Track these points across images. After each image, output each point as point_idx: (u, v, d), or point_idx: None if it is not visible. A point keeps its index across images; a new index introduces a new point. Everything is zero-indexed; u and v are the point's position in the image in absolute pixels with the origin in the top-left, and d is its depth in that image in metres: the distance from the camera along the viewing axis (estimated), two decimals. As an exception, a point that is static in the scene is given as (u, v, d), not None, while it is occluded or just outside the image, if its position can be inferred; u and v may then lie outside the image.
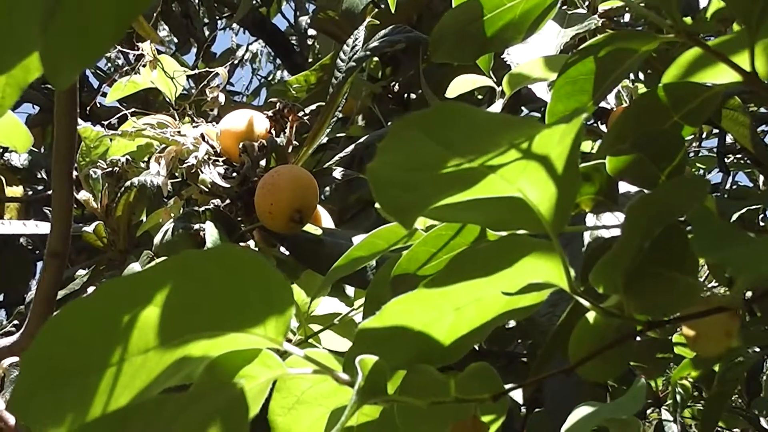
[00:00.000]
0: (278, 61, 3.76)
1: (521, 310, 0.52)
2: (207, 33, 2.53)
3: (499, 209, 0.48)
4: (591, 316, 0.52)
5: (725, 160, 2.09)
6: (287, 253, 1.07)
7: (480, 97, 1.84)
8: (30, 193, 2.59)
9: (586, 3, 1.39)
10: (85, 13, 0.42)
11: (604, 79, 0.57)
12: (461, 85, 1.09)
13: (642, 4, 0.56)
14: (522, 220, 0.48)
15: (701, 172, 2.50)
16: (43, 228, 1.31)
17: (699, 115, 0.56)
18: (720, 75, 0.56)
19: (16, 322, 1.27)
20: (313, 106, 1.12)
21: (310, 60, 2.52)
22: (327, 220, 1.10)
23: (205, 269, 0.47)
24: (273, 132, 1.08)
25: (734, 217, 1.43)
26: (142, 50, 1.17)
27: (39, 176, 2.62)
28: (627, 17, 2.26)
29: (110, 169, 1.24)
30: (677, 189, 0.49)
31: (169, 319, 0.47)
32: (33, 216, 2.55)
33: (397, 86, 1.80)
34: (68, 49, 0.43)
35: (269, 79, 3.83)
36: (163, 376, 0.48)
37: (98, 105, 2.23)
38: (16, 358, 0.76)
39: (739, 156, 2.24)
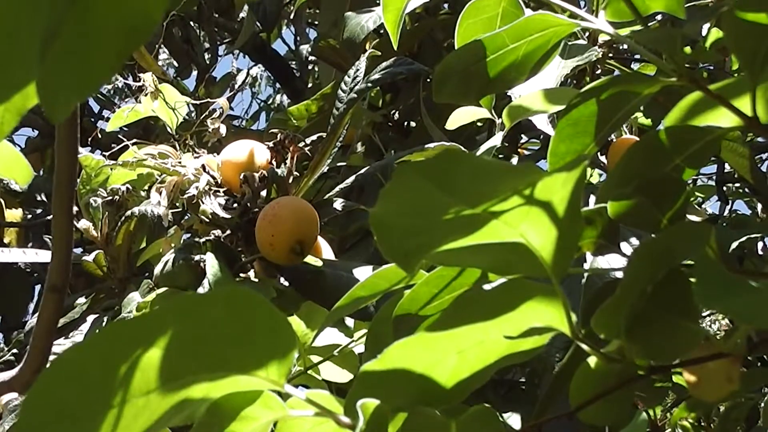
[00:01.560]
0: (278, 85, 3.77)
1: (523, 354, 0.52)
2: (208, 58, 2.54)
3: (502, 254, 0.48)
4: (592, 360, 0.52)
5: (724, 189, 2.10)
6: (287, 284, 1.07)
7: (480, 124, 1.85)
8: (29, 216, 2.59)
9: (587, 34, 1.40)
10: (84, 44, 0.42)
11: (607, 121, 0.57)
12: (462, 116, 1.10)
13: (643, 46, 0.56)
14: (524, 264, 0.48)
15: (700, 200, 2.50)
16: (43, 256, 1.31)
17: (700, 157, 0.56)
18: (722, 118, 0.56)
19: (15, 351, 1.27)
20: (314, 137, 1.12)
21: (310, 85, 2.53)
22: (327, 251, 1.10)
23: (208, 311, 0.47)
24: (274, 163, 1.08)
25: (734, 245, 1.43)
26: (144, 81, 1.17)
27: (39, 199, 2.62)
28: (626, 45, 2.27)
29: (111, 197, 1.24)
30: (680, 234, 0.49)
31: (171, 361, 0.47)
32: (32, 239, 2.55)
33: (397, 114, 1.81)
34: (66, 80, 0.43)
35: (269, 103, 3.84)
36: (164, 418, 0.48)
37: (99, 132, 2.24)
38: (15, 394, 0.76)
39: (738, 185, 2.25)
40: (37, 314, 1.31)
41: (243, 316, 0.48)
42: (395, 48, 0.76)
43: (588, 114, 0.58)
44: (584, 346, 0.49)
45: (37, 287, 2.75)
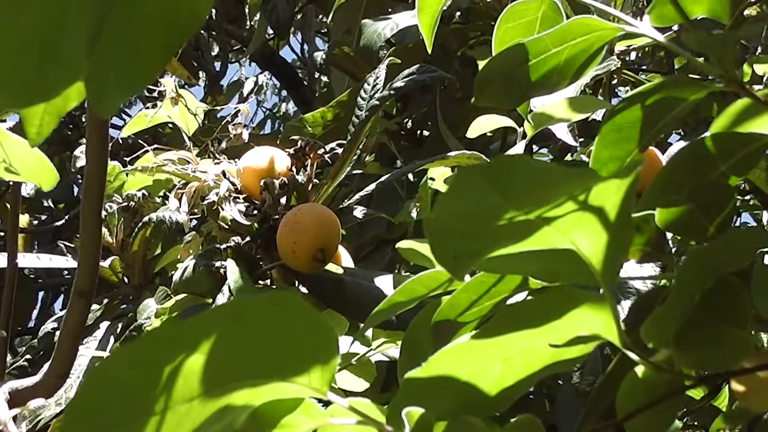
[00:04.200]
0: (283, 93, 3.77)
1: (567, 362, 0.51)
2: (217, 65, 2.53)
3: (552, 261, 0.47)
4: (639, 370, 0.51)
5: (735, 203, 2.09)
6: (306, 291, 1.06)
7: (490, 134, 1.84)
8: (35, 222, 2.58)
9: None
10: (131, 38, 0.42)
11: (651, 126, 0.56)
12: (484, 124, 1.09)
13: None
14: (573, 272, 0.47)
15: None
16: (58, 262, 1.30)
17: (745, 165, 0.55)
18: (768, 125, 0.55)
19: (28, 356, 1.26)
20: (334, 144, 1.11)
21: (317, 94, 2.52)
22: (347, 259, 1.09)
23: (254, 316, 0.46)
24: (294, 170, 1.07)
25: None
26: (164, 85, 1.17)
27: (45, 205, 2.62)
28: (633, 56, 2.27)
29: (126, 203, 1.23)
30: (732, 242, 0.48)
31: (215, 367, 0.46)
32: (38, 246, 2.55)
33: (410, 123, 1.80)
34: (113, 76, 0.42)
35: (274, 111, 3.84)
36: (205, 425, 0.47)
37: (113, 138, 2.23)
38: (41, 400, 0.75)
39: (747, 198, 2.24)
40: (51, 320, 1.30)
41: (286, 321, 0.47)
42: (429, 50, 0.75)
43: (632, 120, 0.57)
44: (633, 356, 0.49)
45: (41, 294, 2.75)
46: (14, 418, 0.74)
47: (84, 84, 0.41)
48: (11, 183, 1.40)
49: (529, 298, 0.50)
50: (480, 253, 0.44)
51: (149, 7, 0.42)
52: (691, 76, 1.87)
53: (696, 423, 1.97)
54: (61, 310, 2.73)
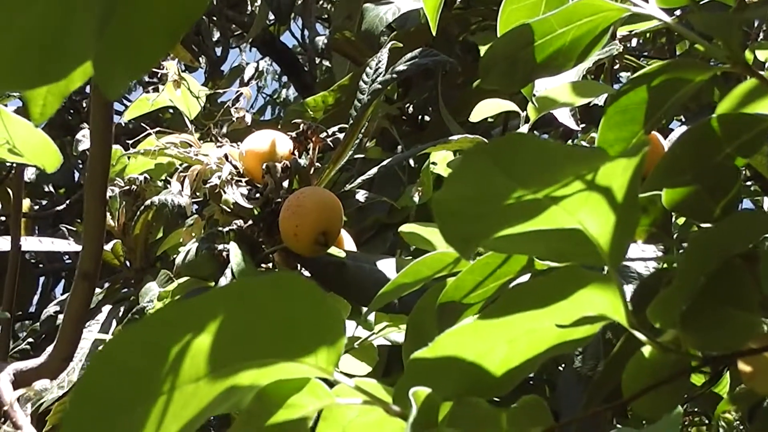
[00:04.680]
0: (284, 79, 3.76)
1: (573, 343, 0.51)
2: (218, 51, 2.53)
3: (559, 241, 0.47)
4: (646, 350, 0.51)
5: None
6: (308, 275, 1.06)
7: (491, 120, 1.83)
8: (36, 207, 2.58)
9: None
10: (138, 22, 0.42)
11: (657, 108, 0.56)
12: (486, 108, 1.09)
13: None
14: (580, 252, 0.47)
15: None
16: (60, 245, 1.30)
17: (752, 146, 0.55)
18: (776, 107, 0.55)
19: (30, 340, 1.26)
20: (335, 128, 1.11)
21: (318, 80, 2.52)
22: (349, 243, 1.09)
23: (259, 297, 0.46)
24: (296, 153, 1.07)
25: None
26: (166, 69, 1.16)
27: (46, 190, 2.62)
28: (634, 42, 2.26)
29: (128, 187, 1.23)
30: (738, 224, 0.48)
31: (221, 348, 0.46)
32: (39, 231, 2.54)
33: (411, 108, 1.80)
34: (121, 58, 0.42)
35: (274, 97, 3.83)
36: (212, 405, 0.47)
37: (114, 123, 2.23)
38: (46, 381, 0.75)
39: (749, 183, 2.24)
40: (52, 303, 1.30)
41: (293, 302, 0.47)
42: (433, 33, 0.75)
43: (638, 101, 0.57)
44: (640, 336, 0.48)
45: (42, 279, 2.75)
46: (18, 399, 0.74)
47: (92, 66, 0.41)
48: (14, 166, 1.40)
49: (535, 278, 0.50)
50: (488, 232, 0.44)
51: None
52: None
53: (696, 409, 1.98)
54: (61, 295, 2.73)
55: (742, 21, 0.52)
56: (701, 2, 0.58)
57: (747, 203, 2.33)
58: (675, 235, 0.76)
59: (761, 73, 0.56)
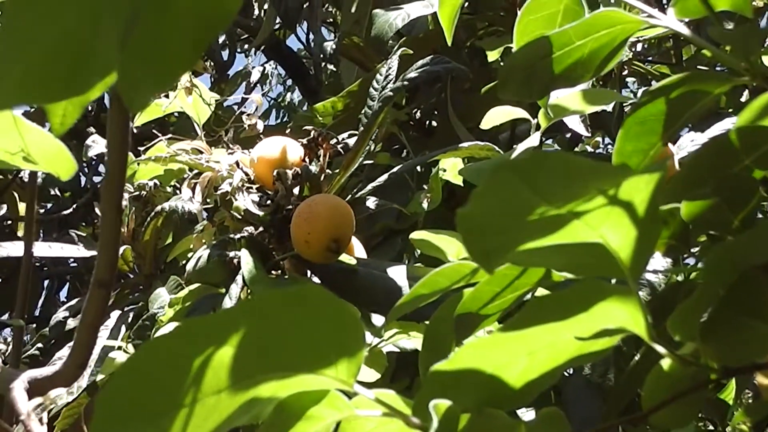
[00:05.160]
0: (289, 82, 3.77)
1: (592, 355, 0.52)
2: (224, 55, 2.53)
3: (580, 255, 0.47)
4: (665, 363, 0.51)
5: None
6: (319, 281, 1.06)
7: (499, 125, 1.83)
8: (42, 211, 2.58)
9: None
10: (162, 35, 0.42)
11: (676, 120, 0.56)
12: (497, 116, 1.09)
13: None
14: (601, 265, 0.48)
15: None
16: (69, 251, 1.30)
17: (770, 159, 0.55)
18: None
19: (40, 345, 1.27)
20: (346, 134, 1.11)
21: (324, 84, 2.52)
22: (359, 250, 1.09)
23: (280, 310, 0.47)
24: (307, 160, 1.07)
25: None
26: (177, 75, 1.16)
27: (52, 193, 2.62)
28: (639, 47, 2.26)
29: (138, 192, 1.23)
30: (758, 236, 0.48)
31: (243, 360, 0.46)
32: (44, 234, 2.55)
33: (419, 113, 1.80)
34: (146, 70, 0.43)
35: (279, 100, 3.84)
36: (233, 417, 0.48)
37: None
38: (62, 390, 0.75)
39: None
40: (62, 308, 1.31)
41: (313, 314, 0.47)
42: (449, 43, 0.75)
43: (656, 112, 0.57)
44: (660, 348, 0.49)
45: (46, 282, 2.75)
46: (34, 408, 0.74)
47: (117, 80, 0.42)
48: (27, 172, 1.40)
49: (556, 291, 0.50)
50: (510, 246, 0.44)
51: (181, 3, 0.42)
52: (699, 67, 1.87)
53: (702, 415, 1.98)
54: (66, 298, 2.73)
55: (762, 35, 0.52)
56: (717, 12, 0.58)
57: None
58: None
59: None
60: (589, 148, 2.37)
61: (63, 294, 2.79)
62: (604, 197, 0.44)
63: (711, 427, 1.98)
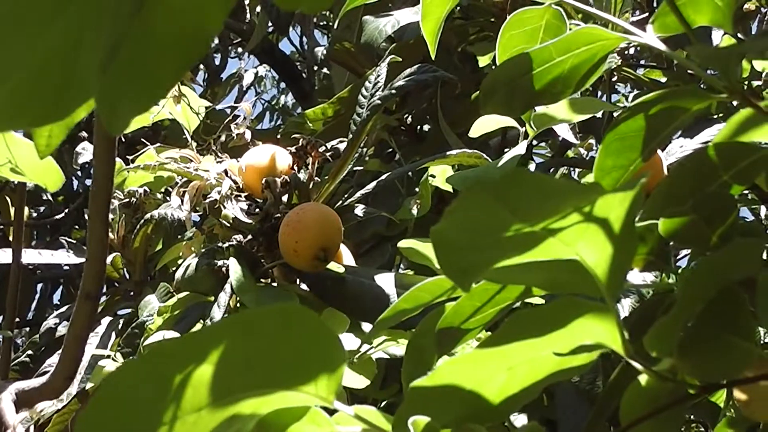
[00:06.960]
0: (282, 85, 3.77)
1: (571, 370, 0.52)
2: (216, 59, 2.53)
3: (557, 272, 0.47)
4: (643, 379, 0.51)
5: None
6: (308, 289, 1.07)
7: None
8: (35, 215, 2.58)
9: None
10: (143, 58, 0.42)
11: (655, 136, 0.57)
12: (486, 124, 1.09)
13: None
14: (578, 282, 0.48)
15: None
16: (59, 257, 1.31)
17: (749, 174, 0.56)
18: (771, 135, 0.56)
19: (30, 352, 1.27)
20: (335, 142, 1.12)
21: (317, 87, 2.52)
22: (348, 258, 1.09)
23: (260, 327, 0.47)
24: (295, 168, 1.08)
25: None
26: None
27: (44, 198, 2.62)
28: (632, 50, 2.26)
29: (127, 200, 1.24)
30: (736, 252, 0.49)
31: (223, 377, 0.47)
32: (37, 238, 2.55)
33: (409, 119, 1.80)
34: (125, 93, 0.43)
35: (273, 103, 3.84)
36: (213, 434, 0.48)
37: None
38: (50, 403, 0.75)
39: (746, 192, 2.25)
40: (52, 315, 1.31)
41: (294, 332, 0.48)
42: (432, 56, 0.76)
43: (636, 129, 0.57)
44: (636, 365, 0.49)
45: (39, 285, 2.75)
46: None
47: (96, 101, 0.42)
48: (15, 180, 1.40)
49: (534, 307, 0.51)
50: (486, 264, 0.44)
51: (160, 27, 0.42)
52: (690, 72, 1.87)
53: (692, 417, 1.98)
54: (59, 301, 2.73)
55: (741, 54, 0.52)
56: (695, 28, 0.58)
57: (744, 212, 2.34)
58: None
59: (757, 84, 0.56)
60: (582, 151, 2.38)
61: (56, 297, 2.79)
62: (579, 214, 0.44)
63: (702, 429, 1.99)
